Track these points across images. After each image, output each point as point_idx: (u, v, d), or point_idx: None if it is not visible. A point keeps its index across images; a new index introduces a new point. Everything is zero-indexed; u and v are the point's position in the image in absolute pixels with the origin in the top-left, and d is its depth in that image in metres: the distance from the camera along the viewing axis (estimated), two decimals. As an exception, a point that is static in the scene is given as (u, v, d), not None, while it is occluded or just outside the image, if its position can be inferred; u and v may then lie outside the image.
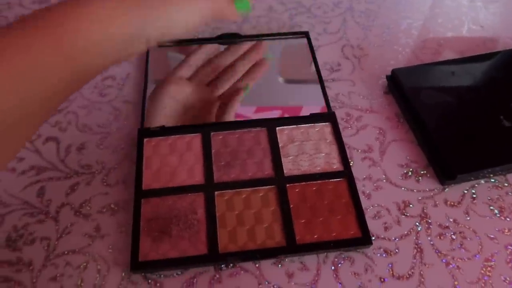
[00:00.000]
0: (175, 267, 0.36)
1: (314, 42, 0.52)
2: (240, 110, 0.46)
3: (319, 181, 0.40)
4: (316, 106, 0.46)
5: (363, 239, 0.37)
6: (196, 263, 0.36)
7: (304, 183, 0.40)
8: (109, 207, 0.40)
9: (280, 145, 0.43)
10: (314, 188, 0.40)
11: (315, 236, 0.37)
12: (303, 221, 0.38)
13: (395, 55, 0.53)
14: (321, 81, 0.48)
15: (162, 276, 0.36)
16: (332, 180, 0.41)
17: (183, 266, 0.36)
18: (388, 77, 0.49)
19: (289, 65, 0.51)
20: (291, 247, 0.37)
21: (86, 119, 0.46)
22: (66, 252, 0.37)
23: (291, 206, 0.39)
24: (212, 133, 0.43)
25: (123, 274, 0.36)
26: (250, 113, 0.46)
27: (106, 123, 0.46)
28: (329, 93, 0.48)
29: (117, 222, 0.39)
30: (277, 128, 0.44)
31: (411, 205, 0.40)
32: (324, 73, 0.50)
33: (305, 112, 0.45)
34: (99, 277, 0.36)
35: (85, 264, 0.37)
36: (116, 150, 0.43)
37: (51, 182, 0.41)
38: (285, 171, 0.41)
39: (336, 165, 0.42)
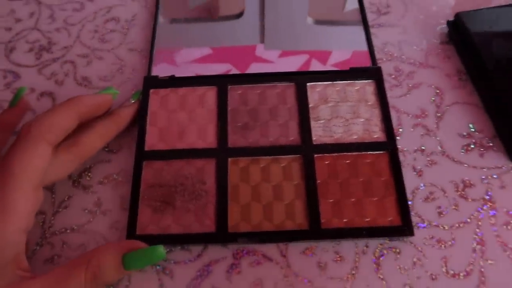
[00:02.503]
0: (177, 244, 0.31)
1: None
2: (264, 54, 0.38)
3: (354, 153, 0.33)
4: (350, 54, 0.37)
5: (403, 228, 0.30)
6: (201, 242, 0.31)
7: (335, 154, 0.33)
8: (111, 177, 0.34)
9: (310, 105, 0.35)
10: (347, 161, 0.33)
11: (344, 221, 0.31)
12: (331, 200, 0.31)
13: (462, -5, 0.42)
14: (366, 27, 0.39)
15: (172, 262, 0.31)
16: (371, 152, 0.33)
17: (186, 244, 0.31)
18: (449, 23, 0.39)
19: (323, 3, 0.42)
20: (314, 231, 0.30)
21: (85, 71, 0.40)
22: (63, 230, 0.32)
23: (318, 181, 0.32)
24: (229, 86, 0.37)
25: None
26: (274, 57, 0.38)
27: (109, 76, 0.39)
28: (375, 42, 0.39)
29: (120, 196, 0.33)
30: (308, 84, 0.36)
31: (472, 186, 0.32)
32: (368, 17, 0.41)
33: (341, 62, 0.37)
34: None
35: (84, 244, 0.32)
36: (120, 109, 0.37)
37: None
38: (313, 138, 0.34)
39: (378, 134, 0.34)
